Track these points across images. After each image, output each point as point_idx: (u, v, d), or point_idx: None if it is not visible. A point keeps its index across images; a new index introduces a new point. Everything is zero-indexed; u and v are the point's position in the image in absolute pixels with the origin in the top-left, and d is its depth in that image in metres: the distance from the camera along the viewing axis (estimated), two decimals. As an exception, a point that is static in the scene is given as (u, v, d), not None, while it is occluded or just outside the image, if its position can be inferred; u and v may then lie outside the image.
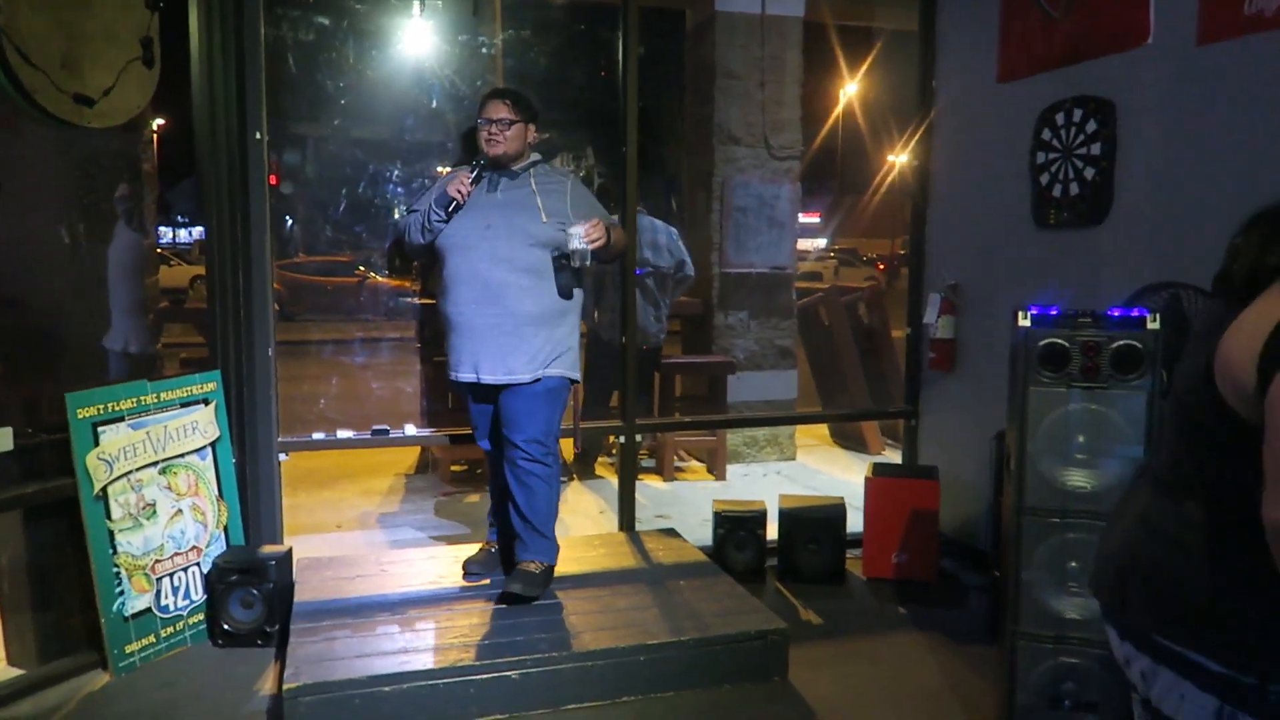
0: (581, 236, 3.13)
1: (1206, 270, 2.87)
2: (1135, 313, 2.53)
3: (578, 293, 3.34)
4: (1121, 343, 2.49)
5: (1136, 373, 2.49)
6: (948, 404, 4.33)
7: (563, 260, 3.21)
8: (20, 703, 2.89)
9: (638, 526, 4.16)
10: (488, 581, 3.43)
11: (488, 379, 3.22)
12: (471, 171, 3.28)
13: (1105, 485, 2.54)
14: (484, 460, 5.53)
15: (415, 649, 2.88)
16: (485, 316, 3.20)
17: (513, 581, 3.21)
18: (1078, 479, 2.56)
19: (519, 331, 3.19)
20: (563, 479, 5.45)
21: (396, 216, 3.90)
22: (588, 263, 3.21)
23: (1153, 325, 2.50)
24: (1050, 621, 2.61)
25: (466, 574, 3.47)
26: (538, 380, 3.22)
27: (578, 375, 3.36)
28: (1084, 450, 2.55)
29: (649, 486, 5.54)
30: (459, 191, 3.23)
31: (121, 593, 3.05)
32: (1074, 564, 2.57)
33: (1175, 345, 2.66)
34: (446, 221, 3.25)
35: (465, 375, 3.26)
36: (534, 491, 3.25)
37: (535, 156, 3.39)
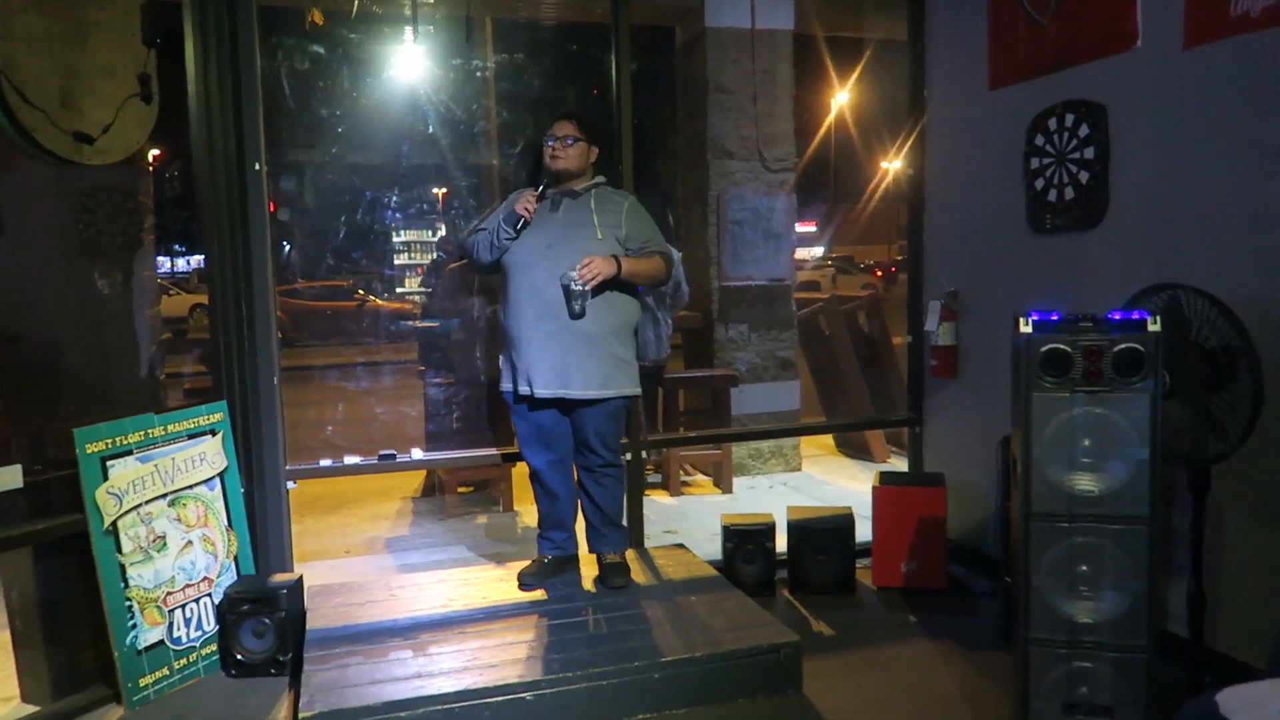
0: (576, 279, 3.23)
1: (1204, 271, 2.91)
2: (1136, 315, 2.54)
3: (635, 311, 3.52)
4: (1123, 346, 2.50)
5: (1139, 375, 2.51)
6: (952, 410, 4.34)
7: (569, 290, 3.29)
8: (35, 740, 2.89)
9: (646, 543, 4.16)
10: (541, 593, 3.50)
11: (542, 392, 3.36)
12: (537, 190, 3.39)
13: (1111, 489, 2.55)
14: (490, 482, 5.57)
15: (429, 673, 2.88)
16: (544, 333, 3.34)
17: (614, 576, 3.51)
18: (1084, 483, 2.56)
19: (577, 349, 3.33)
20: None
21: (463, 235, 4.02)
22: (588, 300, 3.29)
23: (1154, 327, 2.51)
24: (1062, 626, 2.61)
25: (522, 585, 3.54)
26: (606, 400, 3.40)
27: (638, 390, 3.53)
28: (1089, 454, 2.56)
29: (655, 502, 5.55)
30: (525, 209, 3.35)
31: (134, 626, 3.05)
32: (1084, 568, 2.58)
33: (1177, 347, 2.68)
34: (515, 238, 3.38)
35: (521, 389, 3.41)
36: (610, 490, 3.56)
37: (599, 179, 3.52)
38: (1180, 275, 2.92)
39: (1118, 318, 2.57)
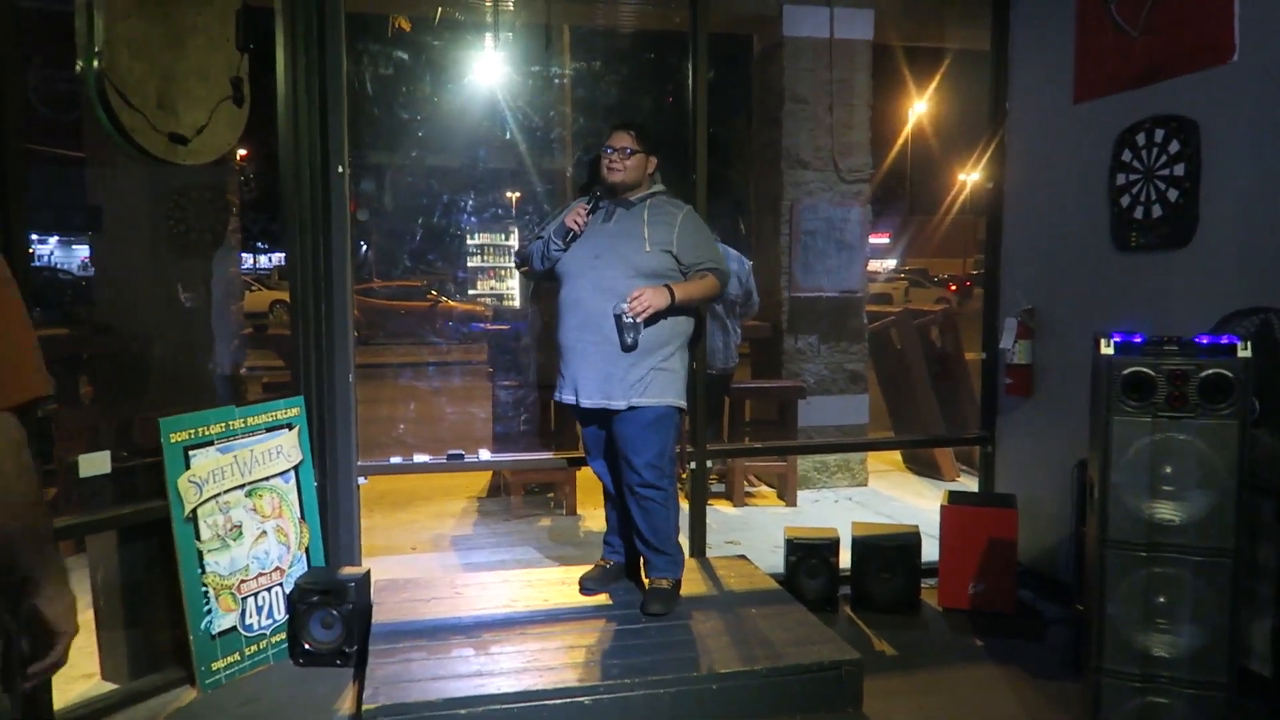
0: (627, 311, 3.17)
1: (1300, 296, 2.79)
2: (1225, 340, 2.45)
3: (684, 323, 3.39)
4: (1211, 371, 2.42)
5: (1226, 402, 2.42)
6: (1025, 430, 4.23)
7: (620, 321, 3.22)
8: (112, 717, 2.99)
9: (708, 553, 4.15)
10: (603, 598, 3.50)
11: (585, 403, 3.33)
12: (588, 202, 3.38)
13: (1194, 518, 2.46)
14: (555, 485, 5.63)
15: (490, 672, 2.91)
16: (586, 343, 3.30)
17: (651, 603, 3.36)
18: (1165, 511, 2.48)
19: (617, 360, 3.26)
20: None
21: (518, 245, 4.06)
22: (640, 332, 3.22)
23: (1243, 353, 2.42)
24: (1137, 659, 2.53)
25: (583, 589, 3.55)
26: (642, 408, 3.28)
27: (683, 403, 3.40)
28: (1171, 482, 2.48)
29: (719, 512, 5.52)
30: (575, 222, 3.34)
31: (209, 611, 3.15)
32: (1162, 599, 2.49)
33: (1268, 373, 2.58)
34: (565, 250, 3.37)
35: (567, 398, 3.40)
36: (652, 514, 3.37)
37: (657, 188, 3.46)
38: (1273, 299, 2.81)
39: (1205, 341, 2.48)
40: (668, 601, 3.38)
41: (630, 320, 3.18)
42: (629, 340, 3.21)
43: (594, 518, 5.29)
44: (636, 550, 3.59)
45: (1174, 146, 3.36)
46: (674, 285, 3.25)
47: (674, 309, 3.27)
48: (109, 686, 3.18)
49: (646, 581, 3.49)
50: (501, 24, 4.77)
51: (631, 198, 3.40)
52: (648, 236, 3.30)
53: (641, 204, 3.39)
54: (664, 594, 3.40)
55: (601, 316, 3.25)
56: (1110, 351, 2.53)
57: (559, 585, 3.66)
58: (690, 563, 3.86)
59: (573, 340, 3.34)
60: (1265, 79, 3.03)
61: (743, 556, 4.10)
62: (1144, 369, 2.48)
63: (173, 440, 3.12)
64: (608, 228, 3.36)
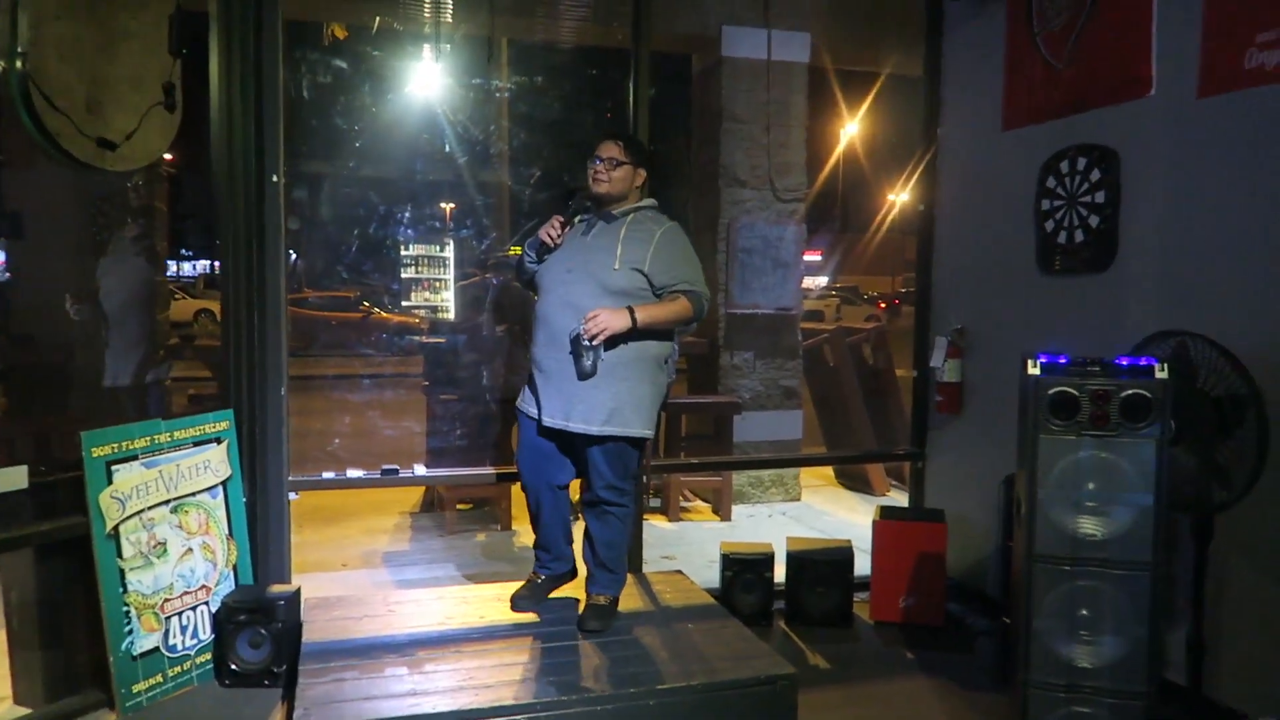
0: (584, 334, 3.01)
1: (1212, 318, 2.93)
2: (1143, 362, 2.56)
3: (655, 347, 3.22)
4: (1131, 391, 2.52)
5: (1145, 421, 2.52)
6: (955, 447, 4.34)
7: (578, 344, 3.07)
8: (26, 743, 2.88)
9: (644, 567, 4.16)
10: (534, 616, 3.44)
11: (548, 422, 3.22)
12: (568, 214, 3.27)
13: (1115, 533, 2.56)
14: (490, 500, 5.57)
15: (424, 691, 2.87)
16: (551, 361, 3.18)
17: (589, 620, 3.31)
18: (1088, 526, 2.57)
19: (579, 381, 3.12)
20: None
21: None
22: (600, 357, 3.08)
23: (1161, 374, 2.53)
24: (1061, 670, 2.61)
25: (514, 606, 3.47)
26: (604, 437, 3.17)
27: (648, 431, 3.25)
28: (1094, 498, 2.57)
29: (654, 526, 5.54)
30: (548, 235, 3.22)
31: (130, 631, 3.04)
32: (1085, 611, 2.58)
33: (1183, 394, 2.69)
34: (538, 263, 3.28)
35: (530, 410, 3.29)
36: (610, 528, 3.31)
37: (646, 202, 3.34)
38: (1188, 322, 2.94)
39: (1125, 363, 2.58)
40: (605, 618, 3.34)
41: (587, 343, 3.02)
42: (586, 365, 3.05)
43: (529, 533, 5.25)
44: (569, 561, 3.53)
45: (1095, 174, 3.49)
46: (637, 307, 3.07)
47: (640, 332, 3.11)
48: (22, 711, 3.05)
49: (584, 596, 3.46)
50: (441, 35, 4.74)
51: (615, 211, 3.26)
52: (620, 254, 3.14)
53: (623, 218, 3.24)
54: (602, 610, 3.36)
55: (566, 334, 3.12)
56: (1037, 371, 2.62)
57: (494, 602, 3.62)
58: (627, 578, 3.85)
59: (540, 356, 3.23)
60: (1179, 112, 3.18)
61: (679, 572, 4.11)
62: (1069, 389, 2.57)
63: (94, 454, 3.01)
64: (585, 241, 3.23)
